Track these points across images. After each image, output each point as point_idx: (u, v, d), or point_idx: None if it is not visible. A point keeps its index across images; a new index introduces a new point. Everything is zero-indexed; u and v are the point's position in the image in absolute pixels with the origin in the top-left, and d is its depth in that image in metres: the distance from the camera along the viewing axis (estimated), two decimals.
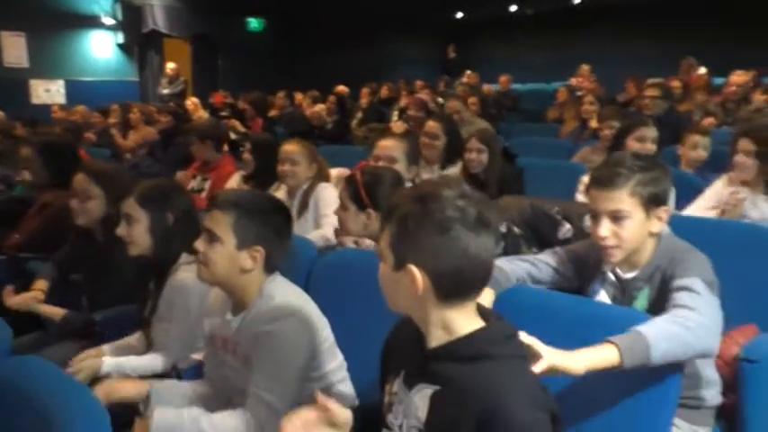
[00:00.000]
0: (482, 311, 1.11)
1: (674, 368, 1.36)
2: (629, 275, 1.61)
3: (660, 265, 1.56)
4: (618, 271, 1.63)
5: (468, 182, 3.22)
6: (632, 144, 2.96)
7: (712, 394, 1.66)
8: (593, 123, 4.88)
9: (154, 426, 1.42)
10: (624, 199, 1.52)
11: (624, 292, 1.63)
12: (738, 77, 5.46)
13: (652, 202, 1.54)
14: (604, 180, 1.55)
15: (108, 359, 1.87)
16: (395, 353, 1.20)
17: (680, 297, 1.42)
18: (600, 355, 1.26)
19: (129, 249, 1.97)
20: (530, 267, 1.72)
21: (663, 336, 1.29)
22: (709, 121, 4.95)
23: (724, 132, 4.67)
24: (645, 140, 2.96)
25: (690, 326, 1.32)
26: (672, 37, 11.44)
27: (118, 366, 1.84)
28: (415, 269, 1.03)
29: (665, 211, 1.57)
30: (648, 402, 1.35)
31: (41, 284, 2.51)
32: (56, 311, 2.28)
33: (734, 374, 1.71)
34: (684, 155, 3.48)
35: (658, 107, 4.57)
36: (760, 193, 2.58)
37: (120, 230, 1.97)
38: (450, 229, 1.01)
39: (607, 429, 1.09)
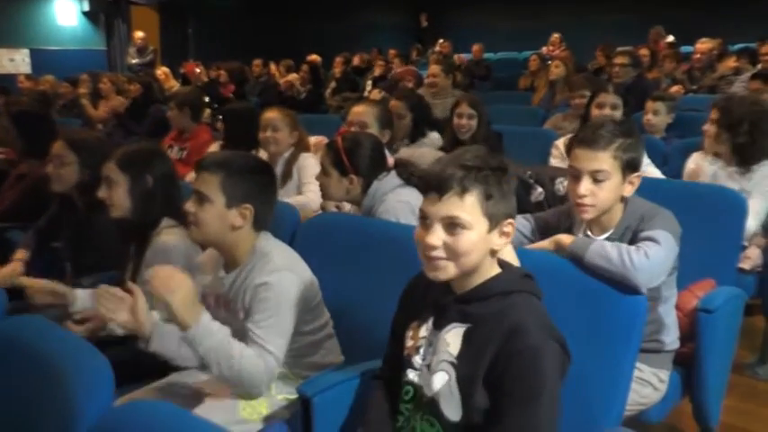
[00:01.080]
0: (499, 261, 1.28)
1: (638, 313, 1.47)
2: (602, 237, 1.70)
3: (630, 224, 1.67)
4: (590, 233, 1.72)
5: (456, 146, 3.28)
6: (593, 110, 3.06)
7: (672, 339, 1.78)
8: (561, 90, 4.99)
9: (202, 325, 1.45)
10: (606, 160, 1.63)
11: None
12: (703, 45, 5.58)
13: (629, 167, 1.64)
14: (589, 140, 1.65)
15: None
16: (415, 304, 1.33)
17: (642, 242, 1.56)
18: (565, 240, 1.63)
19: (110, 212, 2.00)
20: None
21: (603, 254, 1.51)
22: (676, 88, 5.08)
23: (690, 99, 4.82)
24: (604, 107, 3.06)
25: (630, 259, 1.47)
26: (640, 6, 11.55)
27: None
28: (509, 222, 1.21)
29: (636, 177, 1.67)
30: (614, 345, 1.46)
31: (21, 254, 2.53)
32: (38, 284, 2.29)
33: (692, 325, 1.85)
34: (648, 121, 3.57)
35: (627, 74, 4.68)
36: (733, 165, 2.63)
37: (101, 193, 1.99)
38: (512, 188, 1.22)
39: (574, 371, 1.19)
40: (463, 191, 1.16)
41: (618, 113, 3.03)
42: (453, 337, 1.22)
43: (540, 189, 2.36)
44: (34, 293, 1.93)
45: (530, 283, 1.25)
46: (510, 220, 1.21)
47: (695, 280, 1.94)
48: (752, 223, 2.43)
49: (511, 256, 1.50)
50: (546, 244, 1.71)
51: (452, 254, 1.18)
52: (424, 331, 1.28)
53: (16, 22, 9.31)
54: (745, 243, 2.48)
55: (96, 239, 2.31)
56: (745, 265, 2.46)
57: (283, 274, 1.58)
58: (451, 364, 1.20)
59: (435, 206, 1.18)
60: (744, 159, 2.58)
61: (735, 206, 2.19)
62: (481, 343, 1.17)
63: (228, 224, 1.59)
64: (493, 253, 1.23)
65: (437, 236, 1.18)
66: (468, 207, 1.16)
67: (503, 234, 1.21)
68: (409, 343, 1.31)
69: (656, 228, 1.59)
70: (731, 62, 5.43)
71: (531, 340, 1.12)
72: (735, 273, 2.24)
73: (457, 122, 3.30)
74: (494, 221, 1.18)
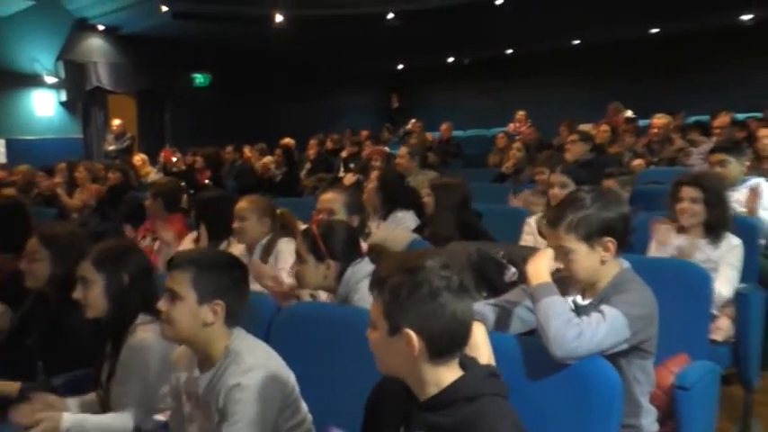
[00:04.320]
0: (460, 359, 1.27)
1: (615, 397, 1.49)
2: (585, 302, 1.75)
3: (608, 294, 1.71)
4: (577, 299, 1.78)
5: (429, 222, 3.39)
6: (549, 192, 3.20)
7: (649, 421, 1.79)
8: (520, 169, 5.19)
9: None
10: (563, 236, 1.71)
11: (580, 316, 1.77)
12: (659, 120, 5.83)
13: (592, 235, 1.70)
14: (549, 220, 1.77)
15: (69, 415, 1.86)
16: (383, 411, 1.32)
17: (591, 315, 1.60)
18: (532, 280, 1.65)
19: (85, 312, 2.00)
20: (499, 311, 1.85)
21: (543, 314, 1.56)
22: (637, 162, 5.27)
23: (651, 172, 5.00)
24: (553, 186, 3.20)
25: (563, 335, 1.51)
26: (600, 82, 12.14)
27: (80, 423, 1.83)
28: (411, 333, 1.18)
29: (610, 241, 1.72)
30: (591, 429, 1.47)
31: None
32: (9, 387, 2.19)
33: (671, 402, 1.86)
34: None
35: (581, 150, 4.85)
36: (699, 237, 2.72)
37: (77, 294, 2.00)
38: (439, 295, 1.18)
39: None
40: (378, 294, 1.22)
41: (566, 191, 3.13)
42: None
43: (513, 269, 2.40)
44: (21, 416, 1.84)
45: (496, 382, 1.24)
46: (407, 330, 1.18)
47: (668, 355, 1.96)
48: (724, 290, 2.50)
49: (484, 344, 1.52)
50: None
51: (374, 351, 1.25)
52: None
53: None
54: (716, 312, 2.53)
55: (70, 337, 2.27)
56: (718, 337, 2.50)
57: (257, 373, 1.57)
58: None
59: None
60: (714, 231, 2.69)
61: (700, 281, 2.26)
62: None
63: (201, 321, 1.61)
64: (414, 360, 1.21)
65: (371, 332, 1.25)
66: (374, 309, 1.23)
67: (408, 344, 1.19)
68: None
69: (615, 305, 1.62)
70: (678, 141, 5.70)
71: None
72: (707, 345, 2.27)
73: (425, 200, 3.44)
74: (394, 328, 1.20)
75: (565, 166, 3.42)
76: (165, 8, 9.16)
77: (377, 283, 1.23)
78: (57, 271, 2.37)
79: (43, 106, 10.05)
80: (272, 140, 8.61)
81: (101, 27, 10.40)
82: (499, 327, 1.84)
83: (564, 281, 1.84)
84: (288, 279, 2.77)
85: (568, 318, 1.56)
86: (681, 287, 2.23)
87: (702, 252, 2.68)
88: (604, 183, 3.51)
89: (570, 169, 3.31)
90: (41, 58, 9.90)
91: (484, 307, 1.82)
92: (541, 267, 1.68)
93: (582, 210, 1.72)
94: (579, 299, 1.78)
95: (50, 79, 10.00)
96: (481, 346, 1.49)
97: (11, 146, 9.50)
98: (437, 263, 1.21)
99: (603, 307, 1.62)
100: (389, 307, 1.19)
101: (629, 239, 1.81)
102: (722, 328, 2.55)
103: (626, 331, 1.60)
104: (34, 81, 9.88)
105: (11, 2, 8.57)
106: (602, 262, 1.73)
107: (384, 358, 1.24)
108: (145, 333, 1.90)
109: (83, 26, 10.26)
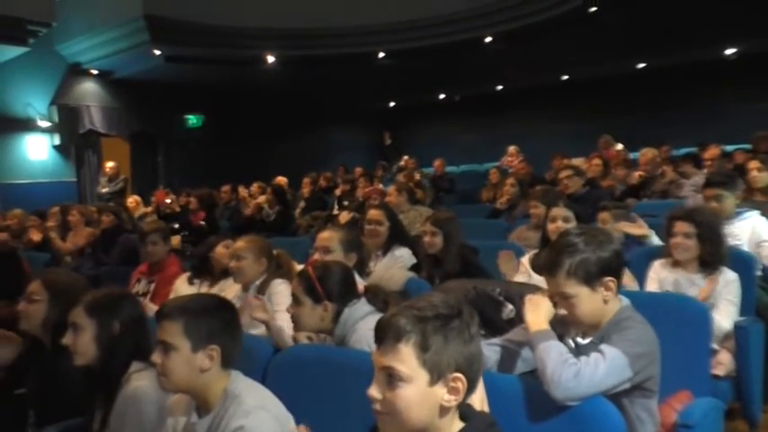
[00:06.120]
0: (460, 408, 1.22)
1: None
2: (586, 341, 1.73)
3: (609, 332, 1.70)
4: (578, 339, 1.76)
5: (426, 261, 3.34)
6: (548, 225, 3.18)
7: None
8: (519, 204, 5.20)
9: None
10: (563, 282, 1.70)
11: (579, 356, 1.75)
12: (646, 155, 5.87)
13: (592, 277, 1.70)
14: (545, 267, 1.75)
15: None
16: None
17: (591, 354, 1.58)
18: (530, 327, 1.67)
19: (74, 359, 1.97)
20: (502, 351, 1.85)
21: (542, 358, 1.57)
22: (631, 199, 5.29)
23: (644, 205, 5.03)
24: (556, 220, 3.17)
25: (559, 375, 1.52)
26: (590, 116, 12.32)
27: None
28: (461, 377, 1.14)
29: (610, 281, 1.71)
30: None
31: None
32: None
33: None
34: None
35: (576, 185, 4.89)
36: (694, 272, 2.72)
37: (66, 339, 1.97)
38: (475, 337, 1.17)
39: None
40: (397, 340, 1.13)
41: (570, 225, 3.07)
42: None
43: (510, 306, 2.38)
44: None
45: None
46: (457, 375, 1.14)
47: (670, 391, 1.94)
48: (725, 323, 2.49)
49: (478, 388, 1.49)
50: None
51: (390, 410, 1.13)
52: None
53: None
54: (716, 346, 2.52)
55: (63, 385, 2.23)
56: (719, 372, 2.48)
57: (257, 414, 1.55)
58: None
59: (376, 356, 1.17)
60: (709, 266, 2.68)
61: (699, 315, 2.25)
62: None
63: (197, 368, 1.59)
64: (444, 410, 1.15)
65: (377, 388, 1.15)
66: (404, 357, 1.13)
67: (451, 390, 1.15)
68: None
69: (615, 343, 1.61)
70: (670, 173, 5.74)
71: None
72: (709, 381, 2.25)
73: (425, 239, 3.40)
74: (436, 374, 1.13)
75: (565, 201, 3.41)
76: (157, 52, 9.28)
77: (397, 332, 1.15)
78: (52, 314, 2.33)
79: (37, 150, 10.07)
80: (266, 179, 8.65)
81: (94, 71, 10.50)
82: (503, 367, 1.82)
83: (565, 320, 1.83)
84: (282, 320, 2.75)
85: (565, 359, 1.55)
86: (680, 322, 2.22)
87: (698, 287, 2.67)
88: (599, 216, 3.52)
89: (571, 205, 3.30)
90: (35, 102, 9.96)
91: (485, 347, 1.81)
92: (540, 315, 1.69)
93: (577, 254, 1.71)
94: (580, 338, 1.76)
95: (44, 123, 10.04)
96: (475, 392, 1.47)
97: (4, 190, 9.47)
98: (467, 307, 1.20)
99: (603, 346, 1.61)
100: (432, 356, 1.13)
101: (621, 282, 1.80)
102: (723, 362, 2.53)
103: (627, 371, 1.58)
104: (28, 125, 9.92)
105: (5, 49, 8.65)
106: (605, 301, 1.73)
107: (411, 414, 1.14)
108: (139, 381, 1.87)
109: (76, 71, 10.36)
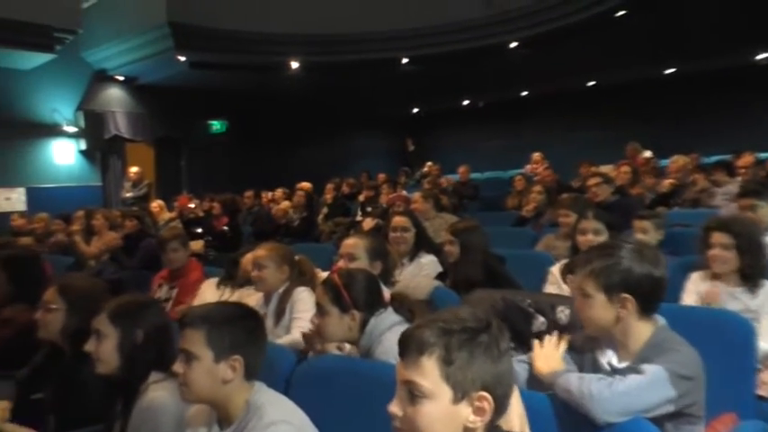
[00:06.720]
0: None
1: None
2: (622, 365, 1.65)
3: (648, 355, 1.61)
4: (613, 361, 1.68)
5: (451, 270, 3.26)
6: (578, 237, 3.07)
7: None
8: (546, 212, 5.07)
9: None
10: (584, 280, 1.67)
11: None
12: (675, 163, 5.72)
13: (612, 288, 1.64)
14: (572, 266, 1.73)
15: None
16: None
17: (626, 373, 1.53)
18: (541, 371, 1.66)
19: (96, 367, 1.93)
20: (530, 367, 1.77)
21: (566, 387, 1.55)
22: (662, 208, 5.14)
23: (675, 214, 4.89)
24: (586, 233, 3.06)
25: (589, 389, 1.49)
26: (617, 122, 12.13)
27: None
28: (487, 396, 1.07)
29: (628, 300, 1.64)
30: None
31: (4, 404, 2.40)
32: None
33: None
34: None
35: (605, 193, 4.76)
36: (735, 285, 2.60)
37: (89, 346, 1.93)
38: (504, 354, 1.10)
39: None
40: (419, 353, 1.07)
41: (601, 238, 2.99)
42: None
43: (541, 318, 2.28)
44: None
45: None
46: (483, 394, 1.06)
47: (714, 414, 1.83)
48: (765, 345, 2.36)
49: (516, 409, 1.41)
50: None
51: (411, 428, 1.07)
52: None
53: (14, 163, 9.58)
54: (759, 366, 2.39)
55: (82, 393, 2.19)
56: (764, 392, 2.35)
57: (280, 427, 1.50)
58: None
59: (399, 369, 1.11)
60: (750, 279, 2.56)
61: (742, 331, 2.13)
62: None
63: (219, 379, 1.54)
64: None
65: (398, 404, 1.09)
66: (426, 372, 1.06)
67: (477, 411, 1.07)
68: None
69: (661, 363, 1.53)
70: (702, 181, 5.56)
71: None
72: (754, 401, 2.13)
73: (445, 249, 3.32)
74: (460, 392, 1.06)
75: (595, 211, 3.29)
76: (181, 58, 9.34)
77: (420, 346, 1.08)
78: (71, 323, 2.30)
79: (63, 155, 10.20)
80: (289, 185, 8.65)
81: (119, 77, 10.62)
82: (533, 385, 1.73)
83: (595, 337, 1.75)
84: (305, 328, 2.68)
85: (590, 377, 1.51)
86: (722, 339, 2.10)
87: (740, 301, 2.55)
88: (636, 225, 3.42)
89: (602, 214, 3.19)
90: (62, 108, 10.10)
91: (515, 363, 1.72)
92: (552, 359, 1.66)
93: (610, 259, 1.66)
94: (615, 360, 1.67)
95: (70, 129, 10.18)
96: (513, 410, 1.39)
97: (31, 194, 9.61)
98: (497, 321, 1.13)
99: (643, 366, 1.53)
100: (455, 371, 1.06)
101: (655, 304, 1.70)
102: None
103: (669, 389, 1.49)
104: (54, 131, 10.06)
105: (33, 56, 8.79)
106: (618, 319, 1.64)
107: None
108: (156, 392, 1.82)
109: (102, 77, 10.48)
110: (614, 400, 1.44)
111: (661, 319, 1.69)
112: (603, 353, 1.70)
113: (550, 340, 1.73)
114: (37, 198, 9.44)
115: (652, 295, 1.66)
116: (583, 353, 1.77)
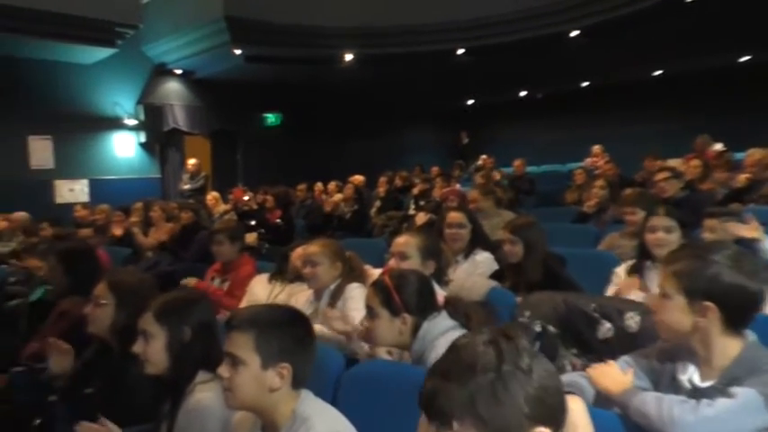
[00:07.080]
0: None
1: None
2: (706, 384, 1.49)
3: (739, 376, 1.44)
4: (694, 379, 1.52)
5: (509, 270, 3.09)
6: (647, 235, 2.84)
7: None
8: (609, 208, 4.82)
9: None
10: (668, 276, 1.53)
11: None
12: (753, 156, 5.33)
13: (694, 292, 1.48)
14: (670, 254, 1.60)
15: None
16: None
17: (714, 396, 1.38)
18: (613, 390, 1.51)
19: (145, 368, 1.89)
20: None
21: (643, 410, 1.41)
22: (736, 204, 4.82)
23: (750, 211, 4.55)
24: (656, 230, 2.80)
25: (670, 413, 1.36)
26: (678, 114, 11.60)
27: None
28: (543, 429, 0.95)
29: (709, 308, 1.47)
30: None
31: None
32: None
33: None
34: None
35: (674, 188, 4.49)
36: None
37: (137, 347, 1.89)
38: (533, 367, 0.99)
39: None
40: (447, 426, 0.94)
41: (673, 236, 2.77)
42: None
43: (608, 324, 2.12)
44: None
45: None
46: (539, 429, 0.93)
47: None
48: None
49: (583, 424, 1.28)
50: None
51: None
52: None
53: (78, 156, 9.91)
54: None
55: (130, 392, 2.16)
56: None
57: None
58: None
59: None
60: None
61: None
62: None
63: (266, 387, 1.46)
64: None
65: None
66: None
67: None
68: None
69: (754, 386, 1.35)
70: None
71: None
72: None
73: (505, 248, 3.13)
74: None
75: (666, 207, 3.05)
76: (237, 52, 9.43)
77: (442, 416, 0.96)
78: (119, 318, 2.28)
79: (124, 147, 10.49)
80: (342, 178, 8.63)
81: (178, 71, 10.84)
82: (601, 402, 1.58)
83: (674, 350, 1.57)
84: (357, 321, 2.59)
85: (670, 397, 1.37)
86: None
87: None
88: (706, 223, 3.17)
89: (673, 211, 2.96)
90: (122, 101, 10.37)
91: (580, 378, 1.58)
92: (615, 378, 1.53)
93: (698, 261, 1.49)
94: (696, 377, 1.50)
95: (131, 122, 10.45)
96: (579, 427, 1.26)
97: (94, 185, 9.93)
98: (524, 341, 0.99)
99: (734, 389, 1.35)
100: (495, 422, 0.93)
101: (746, 319, 1.50)
102: None
103: (765, 415, 1.32)
104: (115, 124, 10.35)
105: (95, 50, 9.06)
106: (696, 328, 1.48)
107: None
108: (203, 393, 1.76)
109: (161, 71, 10.72)
110: (700, 427, 1.28)
111: (751, 335, 1.51)
112: (684, 368, 1.53)
113: (609, 364, 1.58)
114: (99, 189, 9.75)
115: (742, 309, 1.48)
116: (658, 366, 1.60)
